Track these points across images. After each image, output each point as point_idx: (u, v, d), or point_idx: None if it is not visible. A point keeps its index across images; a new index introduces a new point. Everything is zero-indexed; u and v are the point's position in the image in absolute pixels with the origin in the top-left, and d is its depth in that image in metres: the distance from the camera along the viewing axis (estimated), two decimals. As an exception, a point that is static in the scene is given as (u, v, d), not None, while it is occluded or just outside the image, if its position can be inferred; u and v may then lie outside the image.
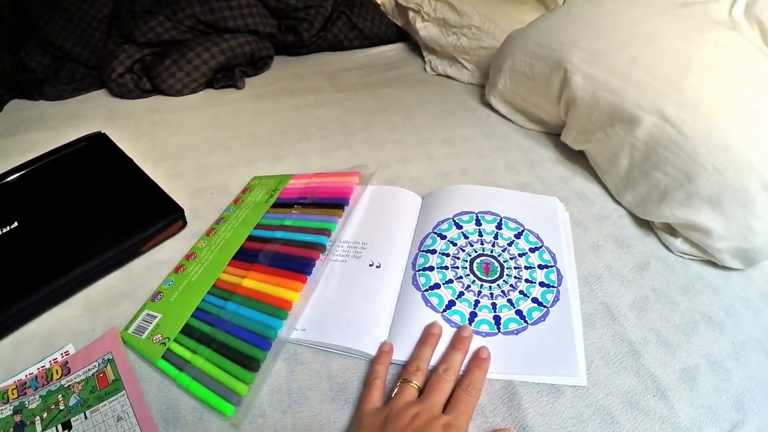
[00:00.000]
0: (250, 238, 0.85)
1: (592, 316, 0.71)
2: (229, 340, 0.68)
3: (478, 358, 0.63)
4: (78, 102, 1.40)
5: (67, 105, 1.38)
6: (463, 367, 0.63)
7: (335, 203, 0.87)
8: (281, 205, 0.91)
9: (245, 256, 0.81)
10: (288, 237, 0.82)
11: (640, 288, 0.75)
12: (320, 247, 0.78)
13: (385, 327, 0.69)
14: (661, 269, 0.79)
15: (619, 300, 0.73)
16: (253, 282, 0.76)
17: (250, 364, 0.64)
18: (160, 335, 0.71)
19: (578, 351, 0.65)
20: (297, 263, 0.76)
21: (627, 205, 0.89)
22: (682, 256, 0.81)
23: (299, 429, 0.60)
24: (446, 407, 0.58)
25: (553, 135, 1.11)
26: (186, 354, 0.68)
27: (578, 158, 1.02)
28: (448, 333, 0.68)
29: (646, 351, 0.66)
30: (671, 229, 0.83)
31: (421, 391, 0.60)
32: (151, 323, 0.73)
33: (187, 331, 0.71)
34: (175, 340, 0.70)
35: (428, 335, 0.65)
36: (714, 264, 0.79)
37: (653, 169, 0.83)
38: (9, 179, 0.97)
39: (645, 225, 0.86)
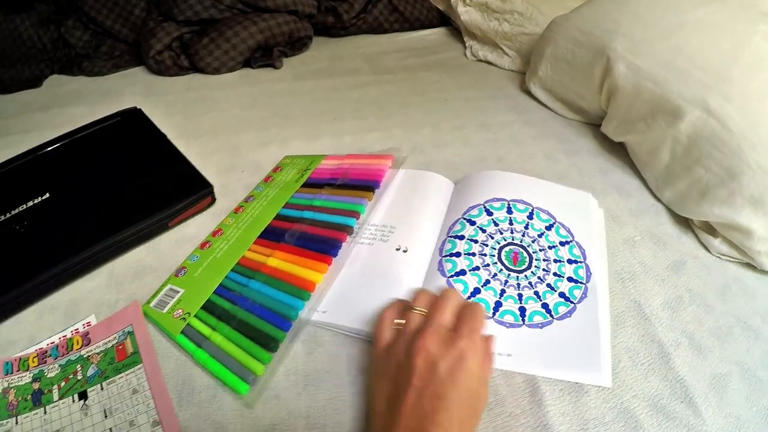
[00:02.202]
0: (278, 217, 0.85)
1: (623, 313, 0.69)
2: (249, 318, 0.69)
3: None
4: (116, 78, 1.42)
5: (106, 81, 1.41)
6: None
7: (366, 185, 0.86)
8: (312, 185, 0.91)
9: (272, 235, 0.82)
10: (316, 217, 0.83)
11: (674, 288, 0.73)
12: (348, 229, 0.78)
13: None
14: (697, 269, 0.76)
15: (651, 299, 0.72)
16: (277, 261, 0.76)
17: (269, 343, 0.65)
18: (181, 310, 0.72)
19: (603, 351, 0.64)
20: (323, 244, 0.76)
21: (666, 201, 0.88)
22: (720, 257, 0.79)
23: (313, 412, 0.60)
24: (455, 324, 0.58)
25: (593, 125, 1.09)
26: (205, 330, 0.69)
27: (618, 150, 1.00)
28: None
29: (676, 354, 0.65)
30: (711, 229, 0.81)
31: None
32: (173, 298, 0.75)
33: (209, 307, 0.72)
34: (195, 316, 0.71)
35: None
36: (753, 267, 0.77)
37: (695, 165, 0.81)
38: (42, 152, 0.99)
39: (683, 222, 0.85)
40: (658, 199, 0.89)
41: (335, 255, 0.74)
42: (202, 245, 0.84)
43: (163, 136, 1.03)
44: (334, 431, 0.59)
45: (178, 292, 0.76)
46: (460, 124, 1.13)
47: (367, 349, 0.66)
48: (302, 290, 0.70)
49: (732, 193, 0.75)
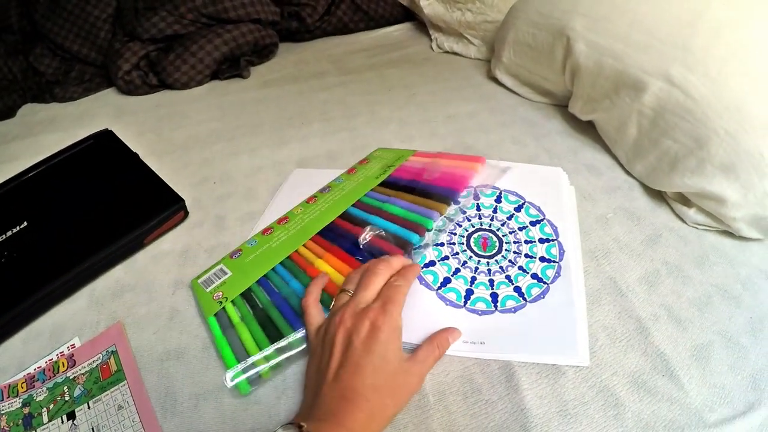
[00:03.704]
0: (345, 215, 0.83)
1: (599, 292, 0.68)
2: (277, 318, 0.68)
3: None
4: (88, 102, 1.41)
5: (78, 105, 1.39)
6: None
7: (445, 195, 0.81)
8: (390, 184, 0.87)
9: (330, 235, 0.79)
10: (381, 225, 0.78)
11: (650, 262, 0.71)
12: (408, 247, 0.73)
13: None
14: (673, 241, 0.75)
15: (627, 274, 0.70)
16: (325, 265, 0.74)
17: (284, 350, 0.64)
18: (221, 293, 0.73)
19: (579, 330, 0.62)
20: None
21: (638, 176, 0.85)
22: (696, 227, 0.77)
23: (293, 415, 0.59)
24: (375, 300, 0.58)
25: (561, 107, 1.07)
26: (235, 317, 0.69)
27: (587, 129, 0.98)
28: (443, 310, 0.66)
29: (655, 328, 0.63)
30: (684, 199, 0.79)
31: None
32: (219, 279, 0.76)
33: (247, 294, 0.73)
34: (232, 301, 0.72)
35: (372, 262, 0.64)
36: (730, 234, 0.75)
37: (662, 137, 0.79)
38: (17, 182, 0.98)
39: (657, 196, 0.82)
40: (630, 175, 0.87)
41: None
42: (264, 231, 0.83)
43: (135, 155, 1.02)
44: None
45: (226, 273, 0.77)
46: (428, 117, 1.11)
47: None
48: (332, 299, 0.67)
49: (702, 162, 0.73)
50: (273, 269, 0.75)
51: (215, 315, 0.70)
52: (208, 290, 0.74)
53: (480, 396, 0.58)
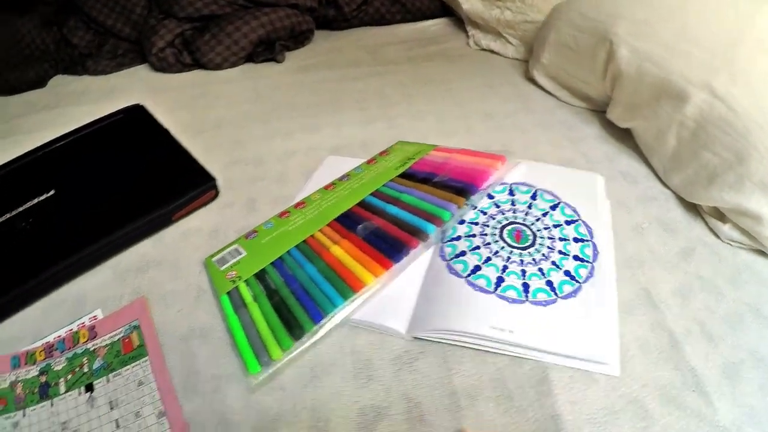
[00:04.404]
0: (362, 204, 0.85)
1: (632, 302, 0.69)
2: (289, 299, 0.70)
3: None
4: (120, 76, 1.44)
5: (110, 79, 1.43)
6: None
7: (463, 188, 0.83)
8: (410, 176, 0.90)
9: (347, 221, 0.82)
10: (397, 214, 0.81)
11: (684, 275, 0.72)
12: (422, 236, 0.75)
13: (412, 301, 0.70)
14: (707, 256, 0.75)
15: (661, 286, 0.71)
16: (340, 252, 0.76)
17: (295, 330, 0.66)
18: (235, 272, 0.76)
19: (611, 334, 0.64)
20: (391, 246, 0.75)
21: (674, 187, 0.86)
22: (730, 244, 0.77)
23: (319, 405, 0.61)
24: None
25: (599, 112, 1.09)
26: (248, 297, 0.72)
27: (624, 137, 1.00)
28: (471, 296, 0.68)
29: (687, 342, 0.64)
30: (720, 214, 0.79)
31: None
32: (234, 258, 0.79)
33: (261, 275, 0.75)
34: (245, 281, 0.74)
35: None
36: (764, 253, 0.76)
37: (702, 149, 0.79)
38: (46, 150, 1.01)
39: (692, 209, 0.83)
40: (666, 186, 0.88)
41: (398, 261, 0.73)
42: (281, 214, 0.87)
43: (167, 131, 1.04)
44: (338, 425, 0.59)
45: (241, 253, 0.80)
46: (464, 113, 1.13)
47: (374, 342, 0.67)
48: (349, 288, 0.69)
49: (740, 178, 0.73)
50: (288, 252, 0.78)
51: (228, 293, 0.73)
52: (222, 269, 0.77)
53: (512, 403, 0.59)
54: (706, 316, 0.67)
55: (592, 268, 0.71)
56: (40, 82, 1.42)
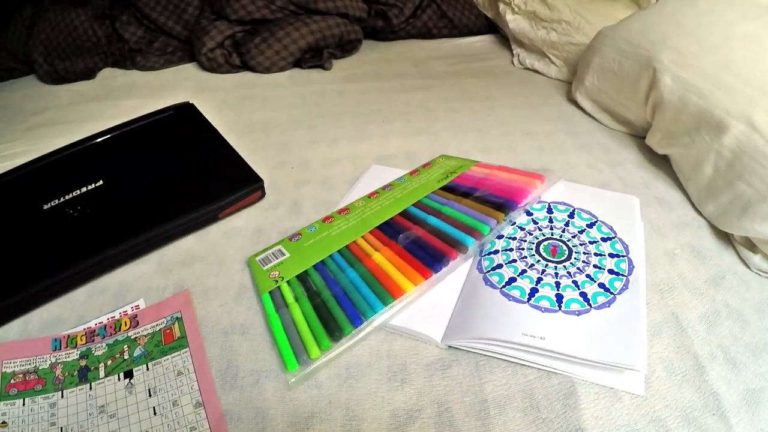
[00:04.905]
0: (404, 214, 0.89)
1: (660, 324, 0.71)
2: (330, 302, 0.73)
3: None
4: (168, 73, 1.51)
5: (158, 75, 1.50)
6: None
7: (502, 204, 0.87)
8: (451, 189, 0.94)
9: (389, 230, 0.86)
10: (438, 225, 0.85)
11: (712, 302, 0.74)
12: (462, 248, 0.79)
13: (448, 311, 0.73)
14: (736, 285, 0.77)
15: (689, 311, 0.73)
16: (382, 259, 0.79)
17: (335, 332, 0.69)
18: (277, 272, 0.80)
19: (642, 342, 0.66)
20: (431, 256, 0.78)
21: (708, 216, 0.89)
22: (759, 274, 0.79)
23: (353, 405, 0.64)
24: None
25: (638, 137, 1.12)
26: (289, 298, 0.76)
27: (661, 163, 1.03)
28: (505, 305, 0.71)
29: (711, 367, 0.65)
30: (751, 245, 0.81)
31: None
32: (277, 259, 0.83)
33: (302, 277, 0.79)
34: (287, 282, 0.78)
35: None
36: (792, 286, 0.77)
37: (737, 179, 0.82)
38: (96, 141, 1.05)
39: (724, 237, 0.86)
40: (700, 213, 0.90)
41: (437, 271, 0.76)
42: (325, 219, 0.91)
43: (215, 130, 1.08)
44: (371, 425, 0.62)
45: (284, 254, 0.83)
46: (506, 131, 1.17)
47: (409, 347, 0.70)
48: (389, 295, 0.72)
49: None
50: (330, 256, 0.82)
51: (269, 293, 0.76)
52: (264, 268, 0.81)
53: (538, 414, 0.61)
54: (731, 343, 0.68)
55: (627, 281, 0.73)
56: (89, 74, 1.49)
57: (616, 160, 1.06)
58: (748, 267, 0.80)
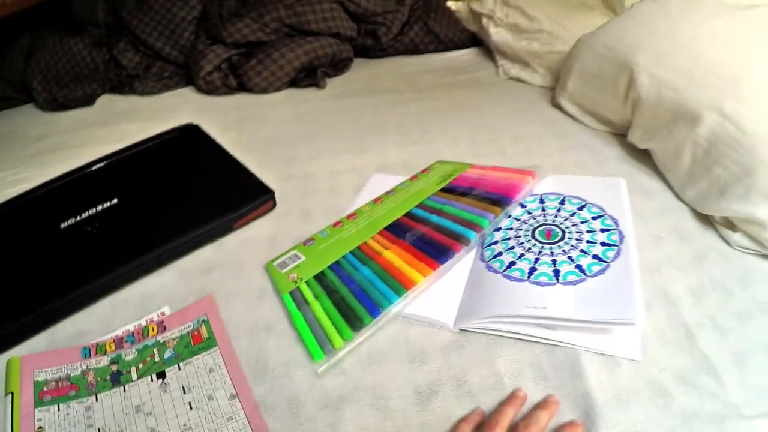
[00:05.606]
0: (409, 215, 0.96)
1: (651, 299, 0.77)
2: (348, 297, 0.80)
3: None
4: (167, 97, 1.57)
5: (157, 100, 1.56)
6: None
7: (498, 199, 0.94)
8: (450, 190, 1.01)
9: (396, 230, 0.93)
10: (440, 222, 0.92)
11: (697, 277, 0.81)
12: (464, 240, 0.86)
13: (457, 298, 0.80)
14: (719, 261, 0.84)
15: (677, 286, 0.79)
16: (392, 256, 0.86)
17: (355, 323, 0.76)
18: (295, 274, 0.87)
19: (636, 296, 0.71)
20: (436, 250, 0.85)
21: (689, 201, 0.95)
22: (740, 250, 0.86)
23: (378, 386, 0.70)
24: None
25: (620, 135, 1.19)
26: (309, 296, 0.82)
27: (643, 158, 1.10)
28: (507, 285, 0.78)
29: (701, 334, 0.72)
30: (730, 224, 0.88)
31: None
32: (294, 262, 0.90)
33: (320, 277, 0.86)
34: (305, 282, 0.85)
35: (513, 397, 0.66)
36: (771, 258, 0.84)
37: (714, 165, 0.89)
38: (108, 162, 1.11)
39: (705, 220, 0.92)
40: (682, 200, 0.97)
41: (443, 262, 0.83)
42: (335, 224, 0.98)
43: (222, 148, 1.15)
44: (397, 402, 0.68)
45: (300, 258, 0.90)
46: (495, 137, 1.24)
47: (425, 333, 0.77)
48: (401, 286, 0.79)
49: (748, 189, 0.83)
50: (343, 257, 0.89)
51: (290, 293, 0.83)
52: (283, 272, 0.88)
53: (548, 383, 0.68)
54: (717, 312, 0.75)
55: (619, 250, 0.79)
56: (88, 101, 1.55)
57: (601, 157, 1.13)
58: (729, 245, 0.87)
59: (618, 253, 0.79)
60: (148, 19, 1.62)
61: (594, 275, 0.76)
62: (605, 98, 1.19)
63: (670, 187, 1.01)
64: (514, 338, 0.74)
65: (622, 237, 0.82)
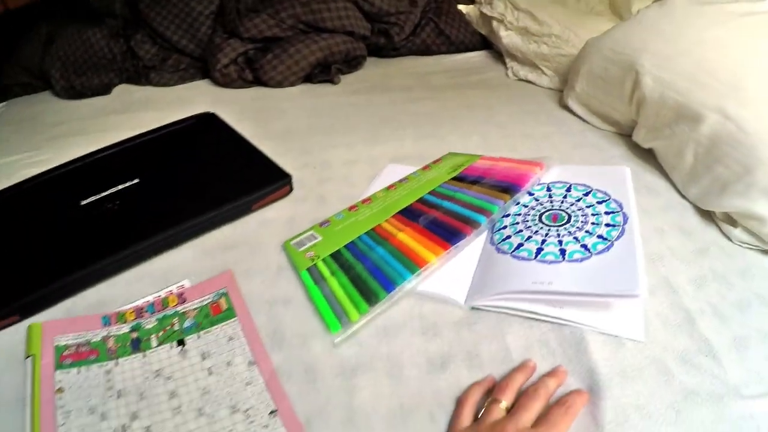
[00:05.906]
0: (421, 200, 1.00)
1: (654, 286, 0.80)
2: (363, 274, 0.84)
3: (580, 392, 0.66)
4: (182, 89, 1.61)
5: (172, 91, 1.60)
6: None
7: (507, 187, 0.97)
8: (461, 179, 1.05)
9: (409, 214, 0.97)
10: (452, 208, 0.96)
11: (699, 268, 0.84)
12: (474, 224, 0.90)
13: (468, 279, 0.83)
14: (720, 255, 0.87)
15: (679, 276, 0.82)
16: (406, 237, 0.90)
17: (371, 297, 0.79)
18: (312, 252, 0.90)
19: (639, 271, 0.73)
20: (448, 232, 0.89)
21: (692, 198, 0.98)
22: (740, 245, 0.89)
23: (393, 356, 0.73)
24: (537, 424, 0.60)
25: (625, 135, 1.24)
26: (326, 273, 0.86)
27: (647, 156, 1.14)
28: (515, 265, 0.82)
29: (701, 320, 0.74)
30: (731, 220, 0.91)
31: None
32: (311, 242, 0.93)
33: (336, 255, 0.89)
34: (322, 260, 0.88)
35: (523, 366, 0.69)
36: (770, 253, 0.87)
37: (715, 163, 0.92)
38: (128, 145, 1.15)
39: (707, 216, 0.95)
40: (684, 198, 1.00)
41: (454, 244, 0.86)
42: (351, 208, 1.02)
43: (240, 135, 1.18)
44: (411, 371, 0.71)
45: (317, 238, 0.94)
46: (506, 134, 1.29)
47: (437, 310, 0.80)
48: (415, 265, 0.83)
49: (748, 186, 0.86)
50: (359, 237, 0.92)
51: (307, 269, 0.86)
52: (300, 250, 0.91)
53: (555, 359, 0.71)
54: (718, 300, 0.78)
55: (623, 229, 0.82)
56: (104, 90, 1.58)
57: (607, 156, 1.17)
58: (730, 240, 0.90)
59: (622, 233, 0.82)
60: (166, 12, 1.66)
61: (599, 253, 0.79)
62: (611, 99, 1.23)
63: (673, 185, 1.04)
64: (523, 317, 0.76)
65: (626, 218, 0.85)
